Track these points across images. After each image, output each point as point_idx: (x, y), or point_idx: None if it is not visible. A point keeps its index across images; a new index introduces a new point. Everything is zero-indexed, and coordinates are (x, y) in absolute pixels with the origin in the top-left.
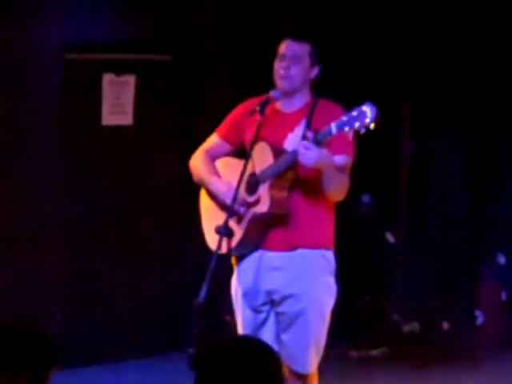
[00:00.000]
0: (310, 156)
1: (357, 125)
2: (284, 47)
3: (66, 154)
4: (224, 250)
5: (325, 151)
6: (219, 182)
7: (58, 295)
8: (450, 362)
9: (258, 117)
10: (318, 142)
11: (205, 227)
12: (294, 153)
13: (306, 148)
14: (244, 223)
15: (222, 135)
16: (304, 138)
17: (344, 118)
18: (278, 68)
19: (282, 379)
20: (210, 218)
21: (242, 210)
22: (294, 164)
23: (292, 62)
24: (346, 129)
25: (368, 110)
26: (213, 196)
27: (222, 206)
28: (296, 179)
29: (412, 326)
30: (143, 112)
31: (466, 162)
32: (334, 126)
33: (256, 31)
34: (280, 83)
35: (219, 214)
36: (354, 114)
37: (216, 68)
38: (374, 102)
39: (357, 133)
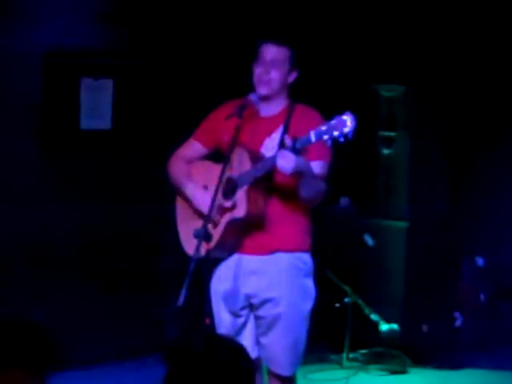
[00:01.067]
0: (288, 163)
1: (335, 134)
2: (264, 51)
3: (44, 158)
4: (202, 253)
5: (302, 159)
6: (194, 187)
7: (39, 297)
8: (429, 364)
9: (235, 120)
10: (296, 150)
11: (181, 231)
12: (273, 159)
13: (284, 155)
14: (220, 228)
15: (199, 139)
16: (282, 144)
17: (323, 128)
18: (258, 72)
19: (253, 380)
20: (186, 221)
21: (218, 217)
22: (271, 170)
23: (271, 66)
24: (325, 137)
25: (348, 119)
26: (188, 201)
27: (198, 212)
28: (273, 185)
29: (391, 329)
30: (122, 116)
31: (444, 163)
32: (312, 135)
33: (233, 34)
34: (259, 88)
35: (195, 217)
36: (334, 122)
37: (193, 72)
38: (350, 104)
39: (335, 142)
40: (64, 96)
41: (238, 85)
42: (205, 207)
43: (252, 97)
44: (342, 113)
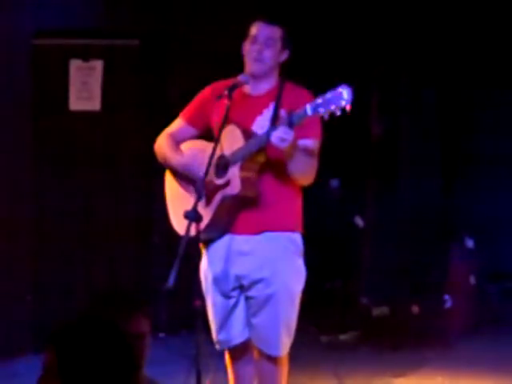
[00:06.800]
0: (285, 137)
1: (332, 107)
2: (256, 29)
3: (34, 139)
4: (193, 234)
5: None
6: (181, 156)
7: (30, 283)
8: (420, 346)
9: (225, 101)
10: (291, 124)
11: (171, 211)
12: (266, 134)
13: (280, 130)
14: (213, 206)
15: (187, 118)
16: (275, 120)
17: (319, 101)
18: (250, 51)
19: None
20: (176, 201)
21: (209, 195)
22: (264, 146)
23: (264, 45)
24: (321, 110)
25: (344, 91)
26: (177, 173)
27: (187, 181)
28: (266, 161)
29: (381, 310)
30: (111, 97)
31: (436, 145)
32: (309, 108)
33: (224, 16)
34: (252, 66)
35: (185, 197)
36: (329, 96)
37: (184, 53)
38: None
39: (332, 115)
40: (53, 77)
41: (229, 65)
42: (195, 171)
43: (242, 78)
44: (336, 86)
